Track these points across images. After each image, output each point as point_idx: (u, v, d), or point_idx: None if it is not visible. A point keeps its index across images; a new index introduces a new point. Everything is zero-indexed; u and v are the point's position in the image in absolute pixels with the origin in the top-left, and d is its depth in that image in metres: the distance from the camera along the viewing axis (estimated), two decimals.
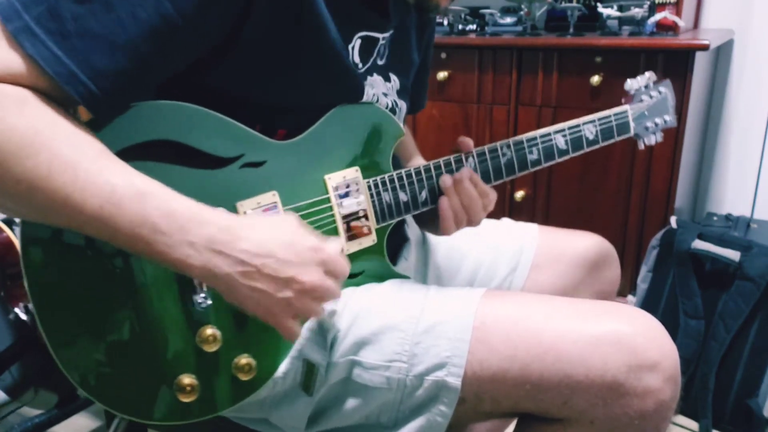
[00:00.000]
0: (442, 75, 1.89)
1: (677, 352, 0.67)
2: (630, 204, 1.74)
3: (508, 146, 0.87)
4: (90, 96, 0.58)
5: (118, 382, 0.66)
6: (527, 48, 1.78)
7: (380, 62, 0.83)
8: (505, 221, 1.07)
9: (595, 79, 1.68)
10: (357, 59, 0.78)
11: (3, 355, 1.14)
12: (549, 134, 0.89)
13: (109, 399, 0.66)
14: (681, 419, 1.54)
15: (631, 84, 0.96)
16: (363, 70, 0.79)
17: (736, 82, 2.01)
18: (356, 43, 0.76)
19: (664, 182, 1.68)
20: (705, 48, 1.53)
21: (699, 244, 1.52)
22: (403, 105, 0.88)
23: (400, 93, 0.88)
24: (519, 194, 1.90)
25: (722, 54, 2.01)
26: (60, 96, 0.59)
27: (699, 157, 2.06)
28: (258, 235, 0.61)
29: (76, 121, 0.59)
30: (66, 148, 0.56)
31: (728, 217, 1.81)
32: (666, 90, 0.99)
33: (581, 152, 0.91)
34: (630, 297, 1.68)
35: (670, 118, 1.00)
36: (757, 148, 1.99)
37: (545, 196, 1.86)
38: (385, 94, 0.83)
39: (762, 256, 1.46)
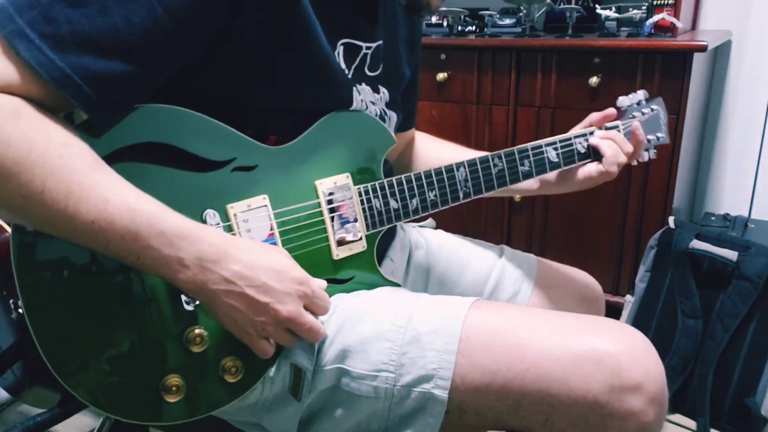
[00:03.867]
0: (441, 76, 1.90)
1: (664, 372, 0.65)
2: (628, 204, 1.75)
3: (500, 157, 0.88)
4: (85, 99, 0.58)
5: (105, 381, 0.65)
6: (526, 49, 1.79)
7: (370, 73, 0.83)
8: (505, 248, 1.06)
9: (594, 80, 1.69)
10: (343, 65, 0.78)
11: (5, 353, 1.14)
12: (540, 146, 0.89)
13: (95, 397, 0.65)
14: (679, 418, 1.55)
15: (623, 101, 0.96)
16: (350, 76, 0.79)
17: (733, 83, 2.02)
18: (340, 49, 0.77)
19: (662, 182, 1.68)
20: (703, 49, 1.54)
21: (697, 244, 1.52)
22: (393, 115, 0.89)
23: (390, 105, 0.88)
24: (518, 195, 1.89)
25: (720, 55, 2.02)
26: (54, 103, 0.58)
27: (697, 157, 2.06)
28: (248, 258, 0.63)
29: (69, 130, 0.59)
30: (59, 161, 0.56)
31: (726, 217, 1.82)
32: (658, 107, 0.99)
33: (573, 165, 0.93)
34: (628, 297, 1.69)
35: (663, 135, 1.00)
36: (755, 148, 2.00)
37: (544, 197, 1.86)
38: (373, 103, 0.83)
39: (759, 255, 1.47)
